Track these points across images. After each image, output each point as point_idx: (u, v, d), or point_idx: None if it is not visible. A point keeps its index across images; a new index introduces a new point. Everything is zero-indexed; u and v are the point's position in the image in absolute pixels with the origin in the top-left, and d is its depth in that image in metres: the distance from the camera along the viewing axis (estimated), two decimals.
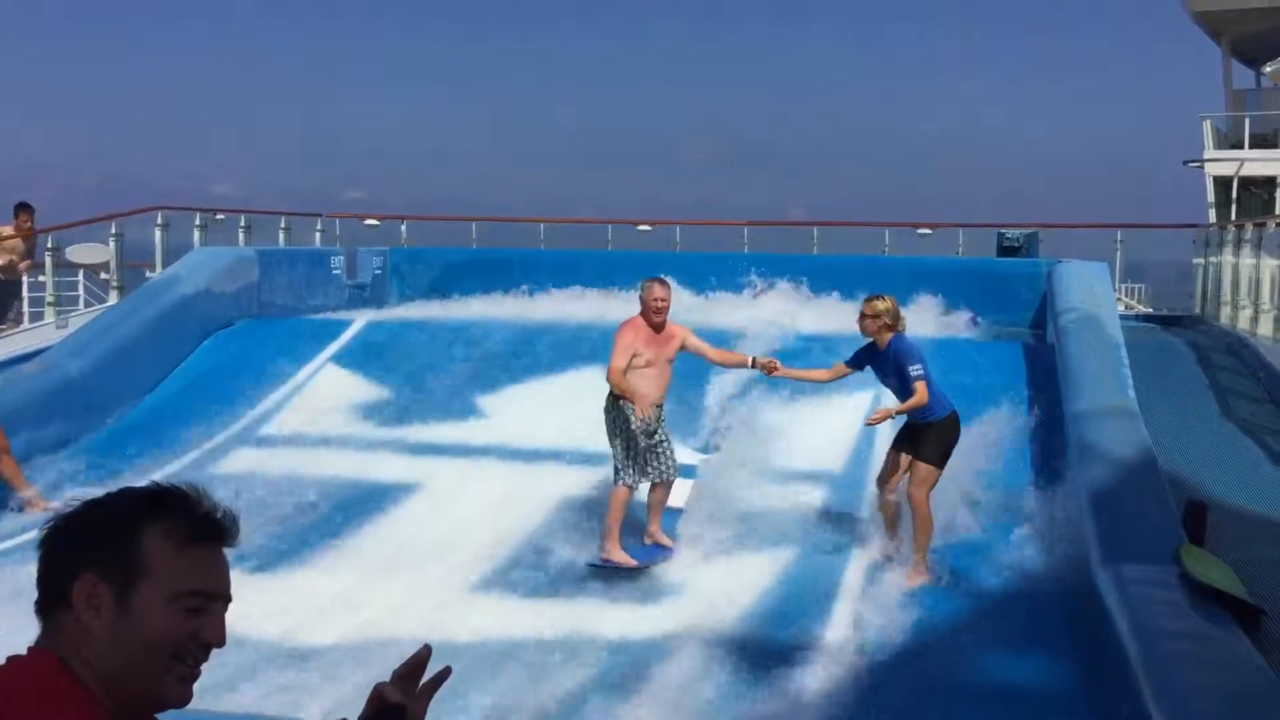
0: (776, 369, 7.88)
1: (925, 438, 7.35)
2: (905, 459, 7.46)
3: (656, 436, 7.61)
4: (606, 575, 7.36)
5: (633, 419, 7.40)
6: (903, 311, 7.59)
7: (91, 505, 1.57)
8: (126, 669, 1.51)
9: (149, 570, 1.53)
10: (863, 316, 7.48)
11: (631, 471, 7.54)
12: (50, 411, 9.75)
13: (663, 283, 7.63)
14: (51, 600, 1.54)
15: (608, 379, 7.49)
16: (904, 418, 7.48)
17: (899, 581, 7.15)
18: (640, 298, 7.66)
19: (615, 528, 7.46)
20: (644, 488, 7.78)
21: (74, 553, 1.53)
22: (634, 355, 7.47)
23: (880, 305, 7.39)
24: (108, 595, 1.51)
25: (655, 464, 7.63)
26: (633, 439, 7.48)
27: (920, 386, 7.21)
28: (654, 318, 7.58)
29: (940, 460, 7.32)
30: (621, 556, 7.42)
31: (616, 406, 7.52)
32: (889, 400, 8.01)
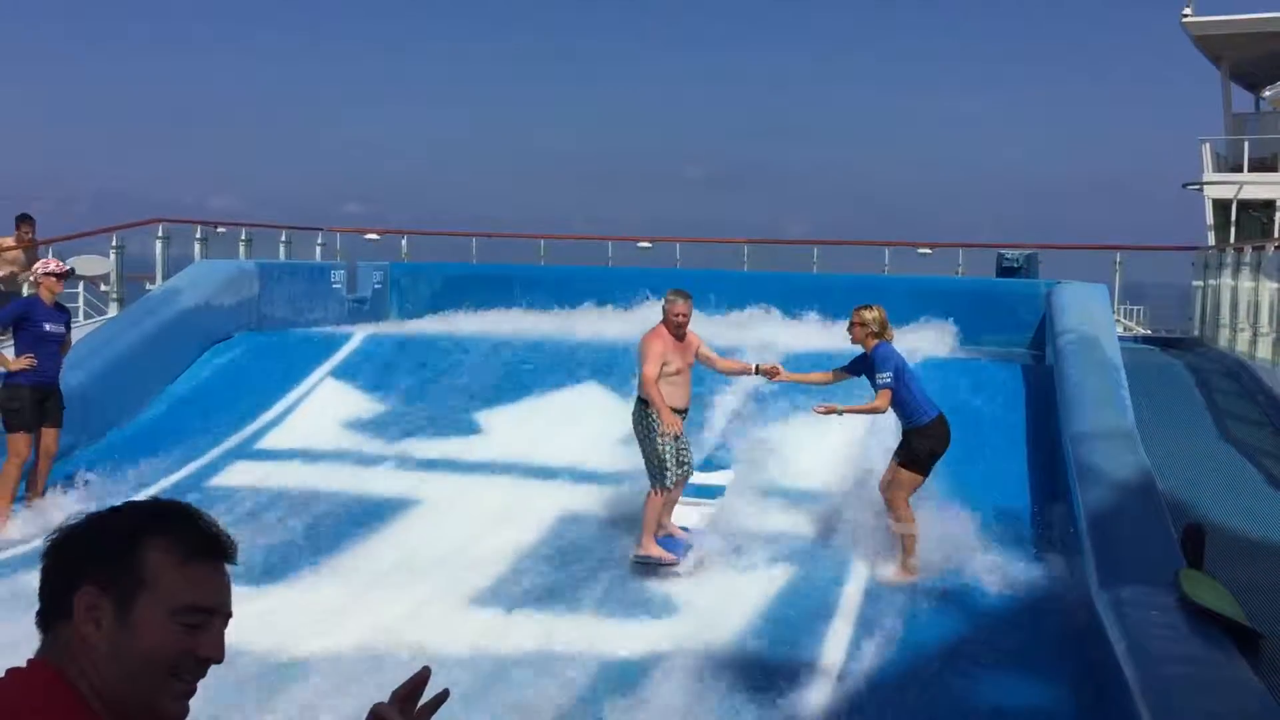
0: (779, 374, 8.26)
1: (910, 444, 7.60)
2: (895, 465, 7.71)
3: (682, 439, 7.96)
4: (607, 589, 7.37)
5: (657, 427, 7.70)
6: (912, 332, 7.78)
7: (94, 518, 1.57)
8: (124, 681, 1.50)
9: (149, 584, 1.52)
10: (851, 325, 7.78)
11: (672, 474, 7.81)
12: None
13: (686, 297, 7.98)
14: (52, 612, 1.54)
15: (641, 386, 7.80)
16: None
17: (893, 591, 7.21)
18: (664, 309, 7.99)
19: (652, 527, 7.77)
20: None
21: (76, 565, 1.53)
22: (664, 364, 7.79)
23: (867, 315, 7.69)
24: (108, 608, 1.51)
25: (679, 464, 7.94)
26: (665, 445, 7.77)
27: (880, 394, 7.54)
28: (675, 330, 7.92)
29: (922, 466, 7.56)
30: (659, 552, 7.73)
31: (647, 416, 7.80)
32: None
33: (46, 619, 1.55)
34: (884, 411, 7.66)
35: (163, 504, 1.61)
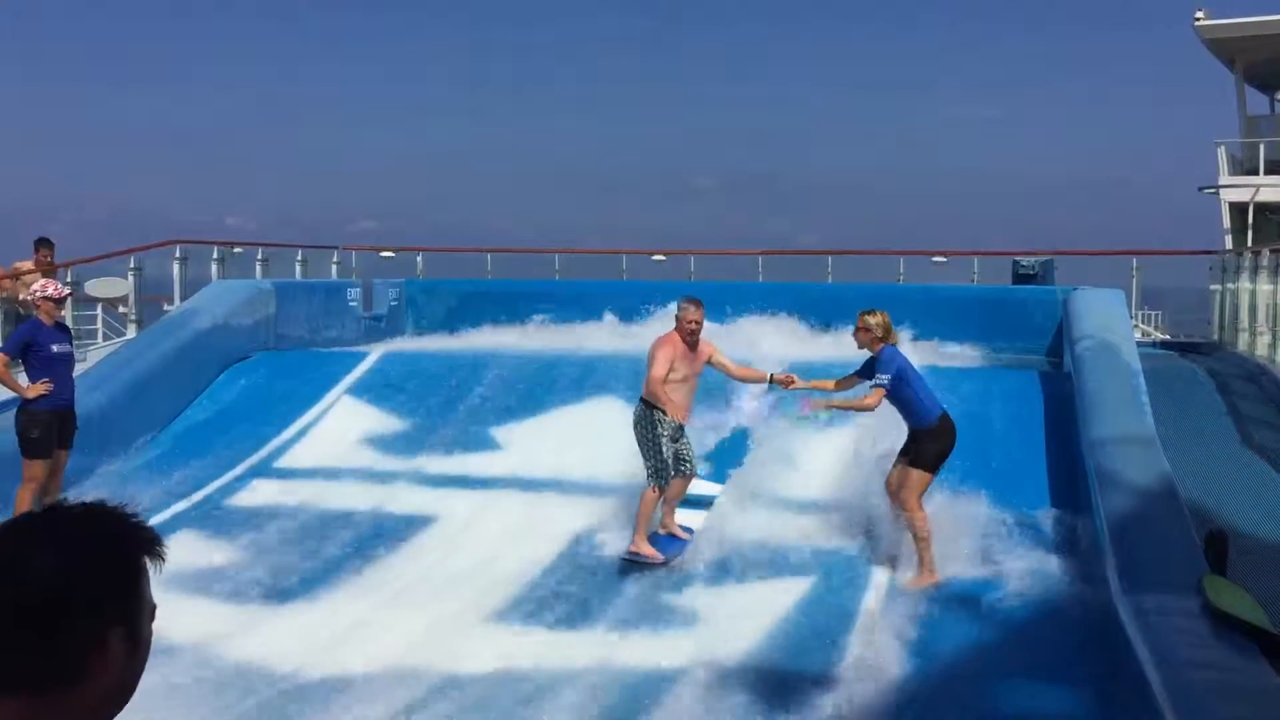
0: (794, 383, 8.35)
1: (918, 445, 7.72)
2: (904, 466, 7.79)
3: (681, 440, 8.16)
4: (626, 602, 7.36)
5: (662, 424, 7.92)
6: (928, 340, 7.83)
7: (75, 557, 1.36)
8: (117, 704, 1.41)
9: (147, 599, 1.44)
10: (856, 330, 7.91)
11: (666, 474, 8.02)
12: None
13: (698, 305, 8.17)
14: (47, 673, 1.33)
15: (647, 386, 8.01)
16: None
17: (913, 599, 7.21)
18: (677, 317, 8.19)
19: (645, 525, 7.96)
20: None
21: (94, 614, 1.36)
22: (670, 370, 7.97)
23: (871, 320, 7.82)
24: (123, 640, 1.40)
25: (679, 463, 8.13)
26: (663, 444, 7.96)
27: (874, 392, 7.69)
28: (688, 337, 8.10)
29: (931, 466, 7.67)
30: (650, 550, 7.88)
31: (649, 417, 7.98)
32: (895, 418, 8.15)
33: (36, 679, 1.32)
34: (871, 409, 7.81)
35: (108, 514, 1.43)
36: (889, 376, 7.62)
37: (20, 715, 1.32)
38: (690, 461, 8.23)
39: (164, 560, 1.43)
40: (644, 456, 8.07)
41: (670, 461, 7.99)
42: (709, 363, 8.27)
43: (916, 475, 7.64)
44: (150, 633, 1.45)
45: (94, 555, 1.37)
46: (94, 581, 1.36)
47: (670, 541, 8.17)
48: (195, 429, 11.19)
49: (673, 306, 9.02)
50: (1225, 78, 27.27)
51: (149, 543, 1.42)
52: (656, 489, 7.99)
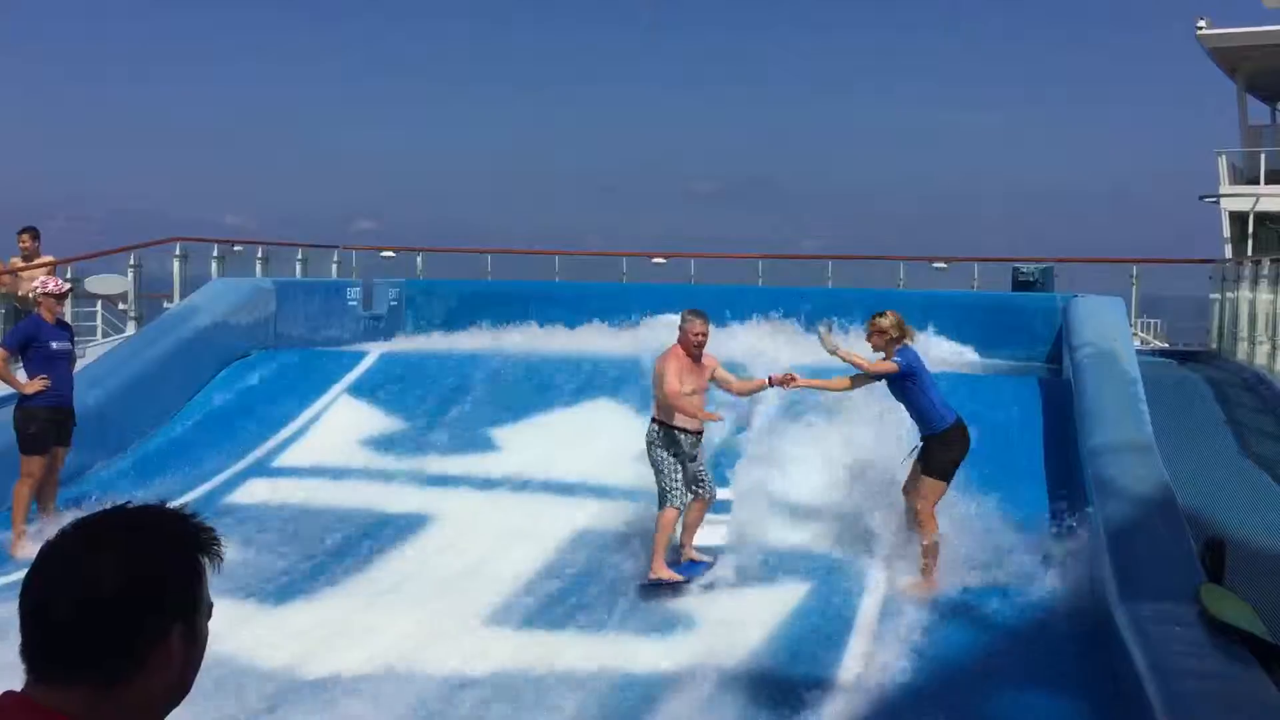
0: (794, 381, 8.11)
1: (930, 451, 7.63)
2: (917, 473, 7.72)
3: (699, 461, 7.91)
4: (624, 605, 7.35)
5: (679, 440, 7.69)
6: (928, 346, 7.74)
7: (141, 554, 1.43)
8: (175, 699, 1.48)
9: (205, 598, 1.51)
10: (870, 335, 7.79)
11: (681, 493, 7.76)
12: None
13: (703, 318, 7.89)
14: (111, 666, 1.40)
15: (663, 403, 7.72)
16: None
17: (911, 605, 7.21)
18: (681, 329, 7.90)
19: (663, 548, 7.67)
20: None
21: (158, 611, 1.43)
22: (679, 383, 7.72)
23: (883, 322, 7.70)
24: (182, 637, 1.47)
25: (698, 485, 7.89)
26: (682, 463, 7.73)
27: (880, 363, 7.65)
28: (694, 350, 7.84)
29: (944, 474, 7.59)
30: (669, 574, 7.64)
31: (662, 434, 7.75)
32: (894, 423, 8.12)
33: (102, 672, 1.40)
34: (872, 374, 7.73)
35: (171, 516, 1.51)
36: (903, 361, 7.56)
37: (85, 705, 1.39)
38: (708, 484, 7.97)
39: (222, 560, 1.52)
40: (657, 477, 7.80)
41: (686, 482, 7.76)
42: (712, 378, 8.04)
43: (930, 484, 7.55)
44: (207, 630, 1.52)
45: (159, 555, 1.45)
46: (159, 580, 1.43)
47: (690, 567, 7.88)
48: (194, 427, 11.18)
49: (672, 309, 8.99)
50: (1227, 87, 27.30)
51: (208, 544, 1.50)
52: (675, 509, 7.72)
